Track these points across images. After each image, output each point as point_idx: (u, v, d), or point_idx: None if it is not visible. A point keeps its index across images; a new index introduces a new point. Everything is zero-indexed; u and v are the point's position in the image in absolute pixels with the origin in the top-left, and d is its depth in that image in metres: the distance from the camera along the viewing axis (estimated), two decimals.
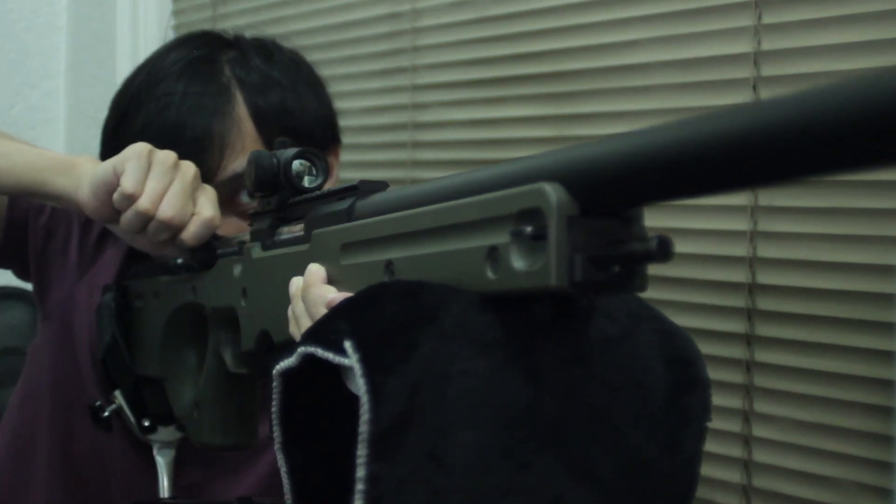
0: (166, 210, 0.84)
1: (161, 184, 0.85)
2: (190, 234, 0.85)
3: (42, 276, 1.08)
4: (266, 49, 1.05)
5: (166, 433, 1.00)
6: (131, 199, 0.84)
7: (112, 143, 1.02)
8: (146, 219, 0.84)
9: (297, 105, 1.02)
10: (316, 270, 0.66)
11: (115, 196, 0.85)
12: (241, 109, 0.98)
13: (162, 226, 0.85)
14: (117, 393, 1.00)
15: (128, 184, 0.84)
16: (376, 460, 0.48)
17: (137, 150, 0.85)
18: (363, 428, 0.49)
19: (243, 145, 0.97)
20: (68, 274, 1.07)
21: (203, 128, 0.96)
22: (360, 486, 0.48)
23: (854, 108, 0.37)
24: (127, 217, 0.85)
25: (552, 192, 0.47)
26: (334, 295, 0.62)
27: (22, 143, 0.97)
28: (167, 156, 0.86)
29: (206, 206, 0.87)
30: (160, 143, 0.96)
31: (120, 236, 0.91)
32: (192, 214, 0.86)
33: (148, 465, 1.01)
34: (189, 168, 0.87)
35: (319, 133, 1.04)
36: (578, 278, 0.47)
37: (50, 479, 1.06)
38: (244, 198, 0.97)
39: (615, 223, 0.48)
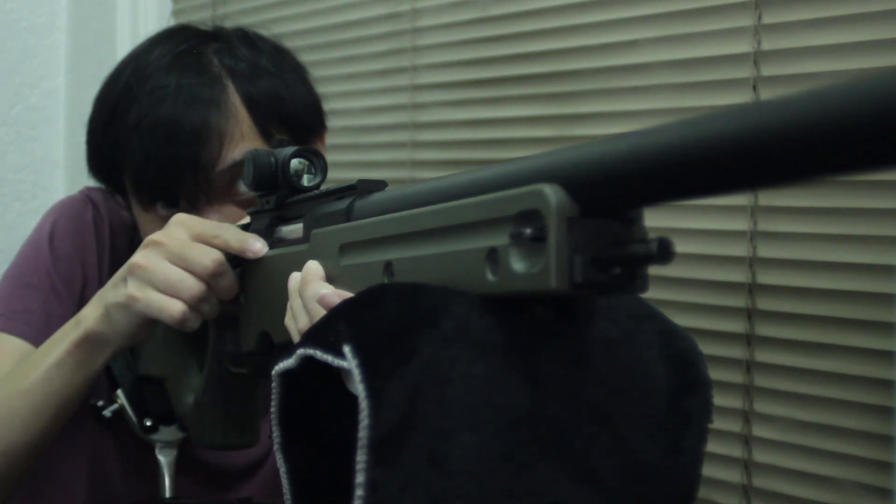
0: (204, 265, 0.81)
1: (172, 270, 0.81)
2: (254, 249, 0.81)
3: None
4: (249, 38, 1.05)
5: (168, 433, 1.00)
6: (186, 315, 0.82)
7: (101, 142, 1.02)
8: (204, 298, 0.82)
9: (286, 92, 1.02)
10: (315, 268, 0.67)
11: (171, 322, 0.82)
12: (235, 99, 0.98)
13: (222, 291, 0.83)
14: (119, 392, 1.00)
15: (162, 308, 0.82)
16: (376, 466, 0.48)
17: (122, 277, 0.84)
18: (362, 433, 0.48)
19: (241, 134, 0.97)
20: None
21: (200, 120, 0.96)
22: (359, 493, 0.48)
23: (855, 109, 0.37)
24: (190, 325, 0.83)
25: (551, 194, 0.47)
26: (327, 291, 0.62)
27: (23, 367, 0.92)
28: (145, 257, 0.83)
29: (231, 236, 0.83)
30: (156, 138, 0.95)
31: None
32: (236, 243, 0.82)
33: (150, 464, 1.01)
34: (174, 229, 0.84)
35: (309, 119, 1.04)
36: (578, 280, 0.47)
37: (51, 478, 1.06)
38: (242, 187, 0.96)
39: (615, 224, 0.48)
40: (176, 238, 0.83)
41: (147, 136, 0.96)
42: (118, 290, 0.84)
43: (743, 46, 1.00)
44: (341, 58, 1.50)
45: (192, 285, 0.81)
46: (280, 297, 0.71)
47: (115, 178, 1.03)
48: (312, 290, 0.64)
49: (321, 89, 1.08)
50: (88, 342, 0.87)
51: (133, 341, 0.88)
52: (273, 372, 0.58)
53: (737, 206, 1.00)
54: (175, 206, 0.96)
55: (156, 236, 0.84)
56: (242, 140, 0.96)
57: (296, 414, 0.59)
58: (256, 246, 0.81)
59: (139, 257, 0.83)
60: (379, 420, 0.49)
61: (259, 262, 0.80)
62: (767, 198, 0.98)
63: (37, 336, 0.98)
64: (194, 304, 0.82)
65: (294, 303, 0.66)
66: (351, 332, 0.52)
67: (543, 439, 0.51)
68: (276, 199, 0.79)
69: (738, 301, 1.00)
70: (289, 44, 1.10)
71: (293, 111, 1.01)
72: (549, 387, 0.51)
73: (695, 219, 1.03)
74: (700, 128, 0.42)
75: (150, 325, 0.86)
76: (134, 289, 0.83)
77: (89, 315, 0.87)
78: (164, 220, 0.95)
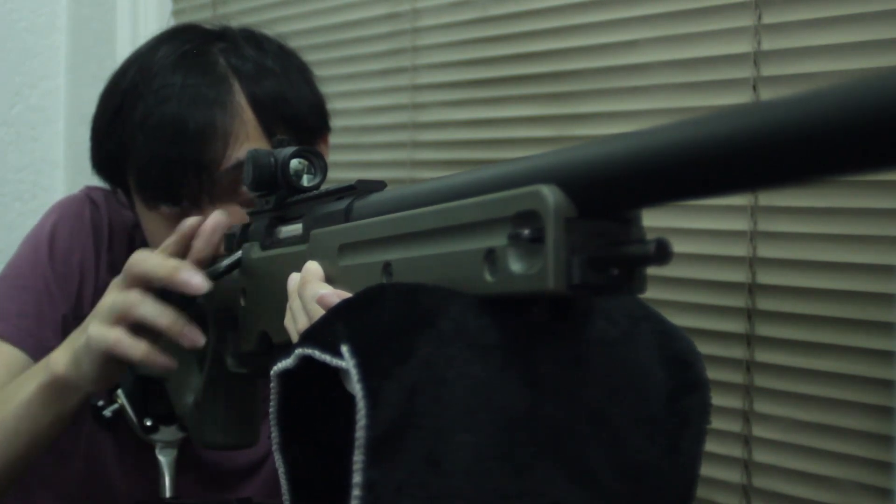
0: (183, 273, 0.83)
1: (150, 307, 0.84)
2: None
3: None
4: (255, 38, 1.05)
5: (168, 433, 1.00)
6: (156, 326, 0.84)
7: (106, 139, 1.02)
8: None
9: (291, 92, 1.02)
10: (314, 268, 0.66)
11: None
12: (241, 99, 0.98)
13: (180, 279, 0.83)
14: (119, 392, 1.00)
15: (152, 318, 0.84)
16: (373, 466, 0.48)
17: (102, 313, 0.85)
18: (359, 433, 0.48)
19: (246, 134, 0.96)
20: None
21: (205, 119, 0.95)
22: (356, 493, 0.48)
23: (855, 109, 0.36)
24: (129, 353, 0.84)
25: (549, 195, 0.47)
26: (326, 291, 0.62)
27: None
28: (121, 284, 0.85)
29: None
30: (161, 137, 0.95)
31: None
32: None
33: (150, 465, 1.01)
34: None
35: (313, 120, 1.04)
36: (576, 281, 0.47)
37: (51, 478, 1.06)
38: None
39: (613, 225, 0.48)
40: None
41: (152, 135, 0.96)
42: (83, 334, 0.85)
43: (743, 46, 0.99)
44: (341, 58, 1.50)
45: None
46: (279, 298, 0.71)
47: (119, 176, 1.03)
48: (311, 290, 0.64)
49: (321, 89, 1.08)
50: (55, 386, 0.88)
51: (102, 385, 0.89)
52: (272, 372, 0.58)
53: (737, 206, 1.00)
54: (178, 205, 0.96)
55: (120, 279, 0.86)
56: (247, 140, 0.96)
57: (294, 414, 0.59)
58: (196, 280, 0.82)
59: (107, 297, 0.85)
60: (376, 420, 0.49)
61: (258, 261, 0.80)
62: (767, 198, 0.97)
63: (27, 339, 0.99)
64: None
65: (293, 303, 0.66)
66: (349, 332, 0.52)
67: (541, 440, 0.51)
68: (275, 199, 0.79)
69: (738, 301, 1.00)
70: (289, 43, 1.10)
71: (298, 112, 1.01)
72: (547, 387, 0.51)
73: (695, 219, 1.03)
74: (699, 128, 0.42)
75: (117, 366, 0.86)
76: (93, 328, 0.84)
77: (59, 360, 0.88)
78: (167, 219, 0.95)
